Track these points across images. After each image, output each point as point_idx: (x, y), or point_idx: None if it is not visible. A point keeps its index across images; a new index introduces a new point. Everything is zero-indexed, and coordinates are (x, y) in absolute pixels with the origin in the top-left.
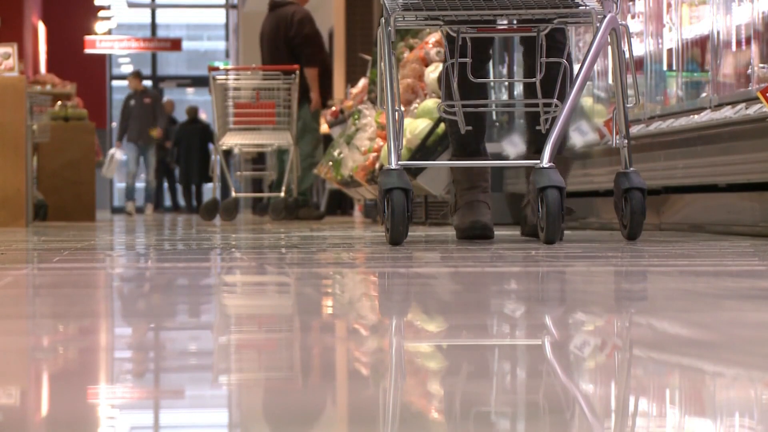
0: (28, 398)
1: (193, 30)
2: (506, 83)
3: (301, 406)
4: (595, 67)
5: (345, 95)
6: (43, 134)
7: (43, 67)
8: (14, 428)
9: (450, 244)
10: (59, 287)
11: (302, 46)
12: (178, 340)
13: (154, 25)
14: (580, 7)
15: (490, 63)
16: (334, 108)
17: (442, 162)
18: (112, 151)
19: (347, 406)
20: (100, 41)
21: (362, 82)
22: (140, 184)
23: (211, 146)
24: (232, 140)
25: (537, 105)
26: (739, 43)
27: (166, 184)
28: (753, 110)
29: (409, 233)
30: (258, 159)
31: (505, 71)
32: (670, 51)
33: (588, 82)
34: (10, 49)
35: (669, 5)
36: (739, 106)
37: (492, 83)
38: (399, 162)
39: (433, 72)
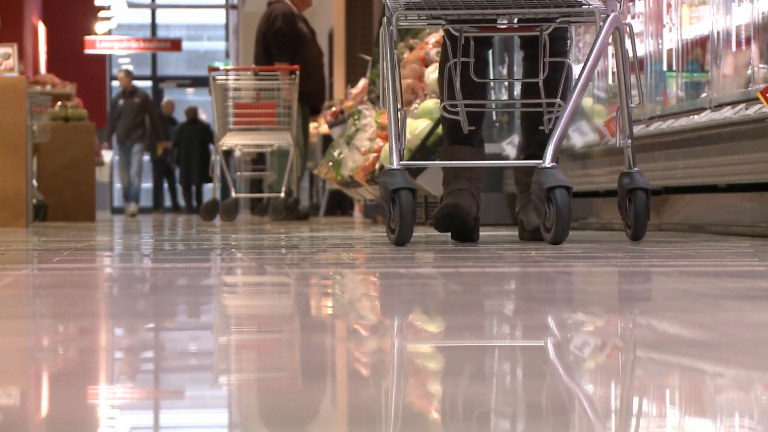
0: (28, 398)
1: (193, 30)
2: (506, 83)
3: (300, 407)
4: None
5: (345, 95)
6: (43, 134)
7: (43, 68)
8: (14, 428)
9: (450, 244)
10: (59, 287)
11: (272, 41)
12: (177, 340)
13: (154, 26)
14: (583, 6)
15: (489, 62)
16: (334, 108)
17: (443, 162)
18: (103, 154)
19: (346, 406)
20: (100, 41)
21: (362, 82)
22: (146, 185)
23: (211, 147)
24: (232, 141)
25: (539, 105)
26: (739, 44)
27: (166, 185)
28: (753, 110)
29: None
30: (258, 159)
31: (504, 71)
32: (670, 51)
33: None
34: (10, 49)
35: (669, 5)
36: (739, 107)
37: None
38: (401, 162)
39: (433, 72)
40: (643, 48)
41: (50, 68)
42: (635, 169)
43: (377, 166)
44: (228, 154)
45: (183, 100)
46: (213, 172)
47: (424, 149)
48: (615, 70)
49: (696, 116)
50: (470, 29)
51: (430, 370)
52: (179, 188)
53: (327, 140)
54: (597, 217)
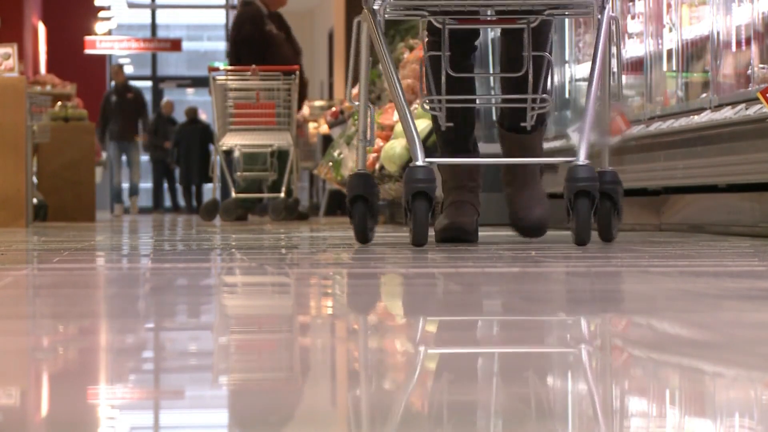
0: (28, 398)
1: (193, 30)
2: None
3: (300, 407)
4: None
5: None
6: (43, 134)
7: (43, 68)
8: (14, 428)
9: (450, 243)
10: (59, 287)
11: (240, 45)
12: (177, 340)
13: (154, 26)
14: None
15: (476, 55)
16: (334, 108)
17: (468, 159)
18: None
19: (345, 406)
20: (100, 42)
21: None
22: (146, 185)
23: (211, 147)
24: (232, 141)
25: (523, 101)
26: (739, 44)
27: (166, 185)
28: (753, 111)
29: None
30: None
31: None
32: (670, 51)
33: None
34: (10, 49)
35: (669, 5)
36: (739, 107)
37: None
38: (426, 159)
39: None
40: (643, 48)
41: (50, 68)
42: (609, 168)
43: (377, 166)
44: (228, 153)
45: (183, 100)
46: (213, 172)
47: (424, 149)
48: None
49: (696, 116)
50: (452, 21)
51: (429, 370)
52: (179, 188)
53: (327, 140)
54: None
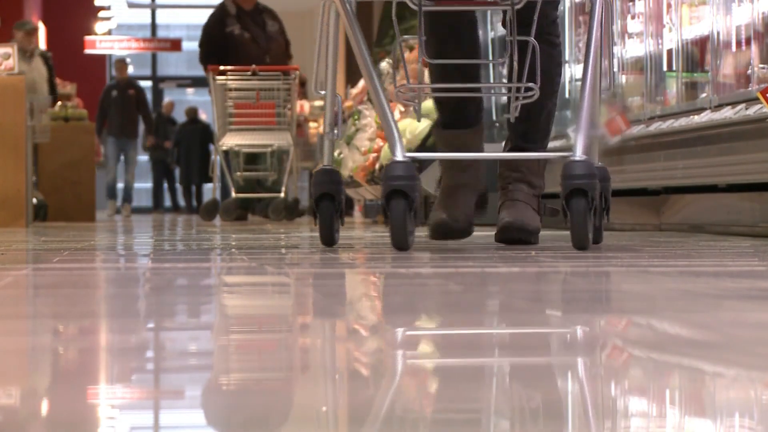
0: (28, 398)
1: (193, 30)
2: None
3: (299, 407)
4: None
5: (345, 96)
6: (43, 134)
7: None
8: (14, 428)
9: (450, 243)
10: (59, 287)
11: (203, 46)
12: (177, 340)
13: (154, 26)
14: None
15: (466, 38)
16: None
17: (449, 154)
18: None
19: (345, 406)
20: (100, 41)
21: (362, 82)
22: (146, 185)
23: (211, 147)
24: (232, 141)
25: (511, 89)
26: (739, 44)
27: (166, 185)
28: (753, 111)
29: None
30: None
31: (505, 71)
32: (670, 51)
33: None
34: (10, 49)
35: (669, 5)
36: (739, 107)
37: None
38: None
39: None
40: (643, 48)
41: None
42: (598, 164)
43: (377, 166)
44: (227, 153)
45: (183, 100)
46: (213, 172)
47: (424, 149)
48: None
49: (696, 116)
50: (429, 2)
51: (426, 370)
52: (179, 188)
53: None
54: None
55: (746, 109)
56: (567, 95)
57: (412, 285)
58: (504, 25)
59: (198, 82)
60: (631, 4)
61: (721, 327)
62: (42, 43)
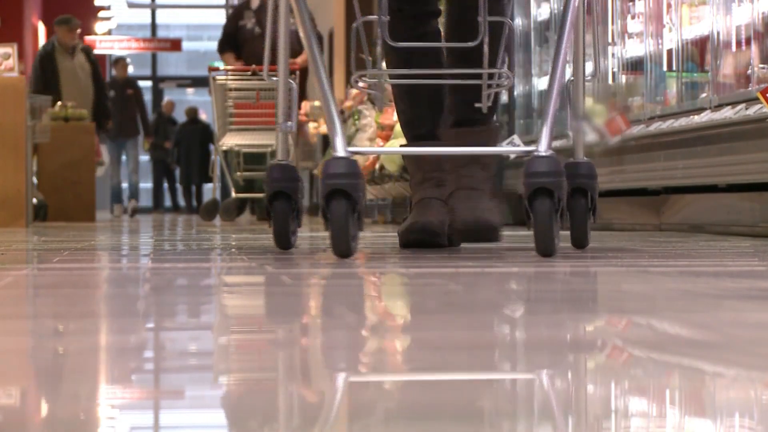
0: (28, 398)
1: (193, 30)
2: None
3: (299, 407)
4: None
5: (345, 95)
6: (43, 134)
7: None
8: (14, 428)
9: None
10: (59, 287)
11: (220, 40)
12: (177, 340)
13: (154, 26)
14: None
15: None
16: None
17: (398, 149)
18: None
19: (344, 406)
20: (100, 42)
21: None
22: (146, 185)
23: (211, 147)
24: (232, 141)
25: (477, 76)
26: (739, 44)
27: (166, 185)
28: (753, 111)
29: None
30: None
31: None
32: (670, 51)
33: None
34: (10, 49)
35: (669, 5)
36: (739, 107)
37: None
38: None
39: None
40: (643, 48)
41: None
42: (584, 159)
43: (377, 166)
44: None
45: (183, 100)
46: (213, 172)
47: None
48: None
49: (696, 116)
50: None
51: (425, 369)
52: (179, 188)
53: (327, 140)
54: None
55: (746, 109)
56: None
57: (413, 285)
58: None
59: (198, 82)
60: (631, 4)
61: (721, 327)
62: (41, 43)
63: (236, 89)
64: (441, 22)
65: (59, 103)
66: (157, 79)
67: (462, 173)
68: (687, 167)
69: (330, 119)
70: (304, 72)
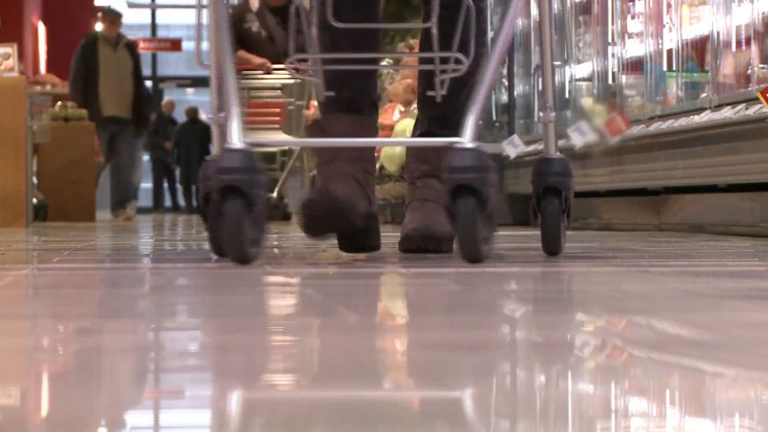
0: (28, 398)
1: (193, 30)
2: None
3: (298, 407)
4: (595, 66)
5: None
6: (43, 134)
7: (43, 67)
8: (14, 428)
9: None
10: (59, 287)
11: None
12: (178, 340)
13: (154, 26)
14: None
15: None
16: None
17: (298, 140)
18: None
19: (345, 406)
20: None
21: None
22: (146, 185)
23: (211, 147)
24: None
25: (431, 61)
26: (739, 44)
27: (166, 185)
28: (753, 111)
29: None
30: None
31: (505, 71)
32: (670, 51)
33: (587, 83)
34: (10, 49)
35: (669, 5)
36: (739, 107)
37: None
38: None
39: None
40: (643, 48)
41: (50, 68)
42: (558, 155)
43: (377, 165)
44: None
45: (183, 100)
46: None
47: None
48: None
49: (696, 116)
50: None
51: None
52: (179, 188)
53: None
54: (597, 218)
55: (746, 109)
56: (567, 95)
57: (412, 285)
58: None
59: (198, 82)
60: (631, 4)
61: (721, 327)
62: (42, 43)
63: (252, 88)
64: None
65: (59, 103)
66: (157, 79)
67: (418, 185)
68: (687, 167)
69: (227, 101)
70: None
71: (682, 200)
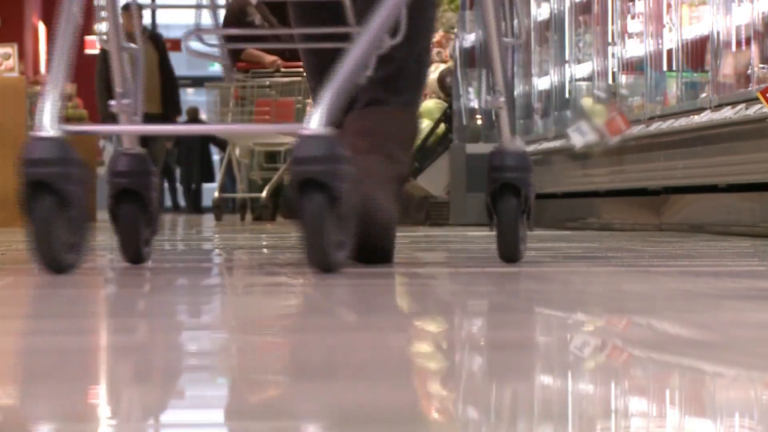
0: (28, 398)
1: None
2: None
3: (299, 407)
4: (595, 66)
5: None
6: None
7: (43, 67)
8: (14, 428)
9: (450, 243)
10: (59, 287)
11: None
12: (178, 340)
13: (154, 26)
14: None
15: None
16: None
17: (153, 128)
18: (102, 143)
19: (345, 406)
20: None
21: None
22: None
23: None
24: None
25: (342, 37)
26: (739, 44)
27: (166, 185)
28: (753, 111)
29: (409, 234)
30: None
31: None
32: (670, 51)
33: (587, 83)
34: (10, 49)
35: (669, 5)
36: (739, 107)
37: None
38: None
39: (433, 72)
40: (643, 48)
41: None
42: (516, 146)
43: None
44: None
45: (183, 100)
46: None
47: (424, 149)
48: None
49: (696, 116)
50: None
51: (422, 368)
52: (180, 188)
53: None
54: (597, 217)
55: (746, 109)
56: (567, 95)
57: (412, 285)
58: None
59: (198, 82)
60: (631, 4)
61: (721, 327)
62: (42, 43)
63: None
64: None
65: None
66: None
67: (359, 159)
68: (687, 167)
69: (49, 83)
70: None
71: (682, 200)
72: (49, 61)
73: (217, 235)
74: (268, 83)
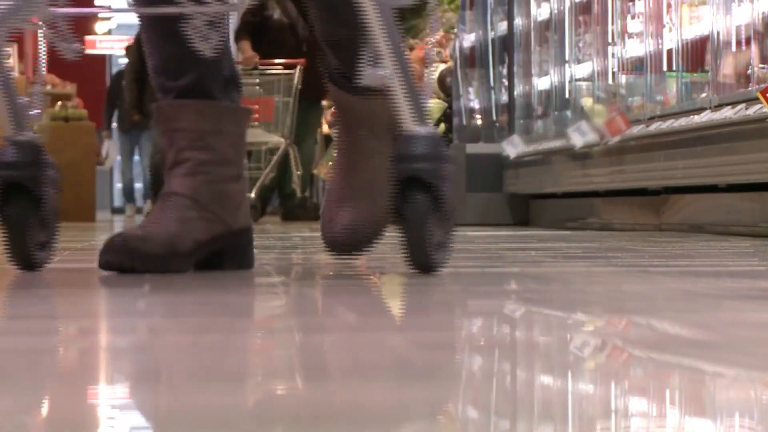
0: (28, 398)
1: None
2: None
3: (299, 407)
4: (595, 66)
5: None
6: (43, 134)
7: (43, 68)
8: (14, 428)
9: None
10: (59, 287)
11: (242, 31)
12: (178, 340)
13: None
14: None
15: None
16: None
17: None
18: (106, 144)
19: (346, 406)
20: (100, 41)
21: None
22: (138, 185)
23: None
24: None
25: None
26: (739, 44)
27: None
28: (753, 111)
29: None
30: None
31: (505, 71)
32: (670, 51)
33: (587, 83)
34: (10, 49)
35: (669, 5)
36: (739, 107)
37: None
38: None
39: (433, 72)
40: (643, 48)
41: (50, 68)
42: (423, 129)
43: None
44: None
45: None
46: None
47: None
48: None
49: (696, 116)
50: None
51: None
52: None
53: (327, 140)
54: (597, 217)
55: (746, 109)
56: (567, 95)
57: (412, 285)
58: None
59: None
60: (631, 4)
61: (721, 327)
62: (41, 44)
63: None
64: None
65: (59, 103)
66: None
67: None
68: (687, 167)
69: None
70: (306, 68)
71: (682, 200)
72: None
73: None
74: (257, 81)
